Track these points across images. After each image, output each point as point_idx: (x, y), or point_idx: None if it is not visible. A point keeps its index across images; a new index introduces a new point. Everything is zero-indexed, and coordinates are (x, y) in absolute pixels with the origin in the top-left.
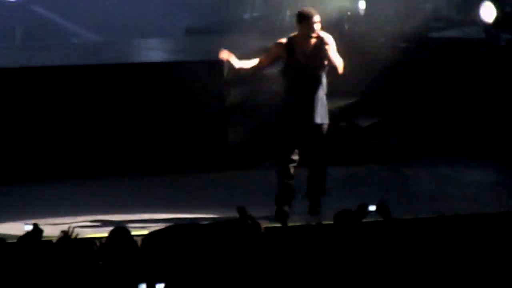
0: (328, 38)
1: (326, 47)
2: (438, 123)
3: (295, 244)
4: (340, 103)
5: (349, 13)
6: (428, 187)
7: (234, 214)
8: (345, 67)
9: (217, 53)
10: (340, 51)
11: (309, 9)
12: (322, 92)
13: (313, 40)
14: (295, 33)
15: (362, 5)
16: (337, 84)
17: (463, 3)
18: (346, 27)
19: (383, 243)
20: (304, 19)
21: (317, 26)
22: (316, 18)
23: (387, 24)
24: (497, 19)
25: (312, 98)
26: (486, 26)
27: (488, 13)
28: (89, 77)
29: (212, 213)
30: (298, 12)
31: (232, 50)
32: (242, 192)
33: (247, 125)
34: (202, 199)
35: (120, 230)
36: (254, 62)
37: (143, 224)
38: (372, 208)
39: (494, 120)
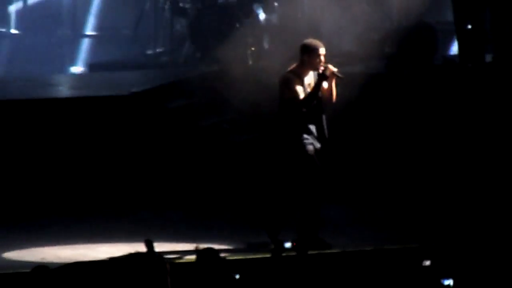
0: (332, 69)
1: (332, 77)
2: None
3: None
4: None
5: (253, 49)
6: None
7: None
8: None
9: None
10: (247, 86)
11: (315, 41)
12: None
13: (318, 71)
14: (296, 64)
15: (266, 41)
16: (243, 119)
17: (365, 37)
18: (250, 62)
19: (299, 277)
20: (311, 51)
21: (323, 58)
22: (322, 50)
23: (292, 59)
24: (398, 54)
25: (322, 128)
26: (388, 60)
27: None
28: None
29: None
30: (305, 43)
31: (134, 85)
32: None
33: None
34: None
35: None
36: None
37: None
38: (288, 245)
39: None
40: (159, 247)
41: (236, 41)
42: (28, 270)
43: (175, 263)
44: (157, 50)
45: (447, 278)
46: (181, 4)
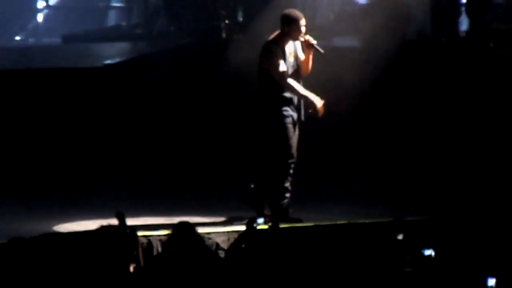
0: (312, 42)
1: (310, 49)
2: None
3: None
4: None
5: (226, 21)
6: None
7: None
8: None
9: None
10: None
11: (297, 12)
12: None
13: (297, 42)
14: (276, 34)
15: (239, 14)
16: (217, 91)
17: (341, 11)
18: (224, 35)
19: (269, 250)
20: (293, 22)
21: (303, 29)
22: (303, 21)
23: (266, 33)
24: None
25: (299, 99)
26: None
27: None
28: None
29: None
30: (286, 14)
31: (108, 57)
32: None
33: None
34: None
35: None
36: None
37: None
38: (261, 220)
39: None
40: (133, 221)
41: (210, 13)
42: (3, 241)
43: (150, 237)
44: (131, 22)
45: (428, 248)
46: None
